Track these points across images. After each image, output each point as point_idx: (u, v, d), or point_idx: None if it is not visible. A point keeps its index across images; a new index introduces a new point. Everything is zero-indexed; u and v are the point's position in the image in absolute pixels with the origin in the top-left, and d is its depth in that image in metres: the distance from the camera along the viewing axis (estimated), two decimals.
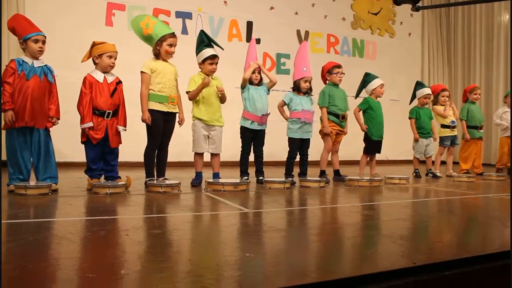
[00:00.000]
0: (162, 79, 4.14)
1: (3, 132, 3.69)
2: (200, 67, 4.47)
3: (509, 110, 6.81)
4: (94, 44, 4.01)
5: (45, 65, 3.82)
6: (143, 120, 4.10)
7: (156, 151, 4.26)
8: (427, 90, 6.23)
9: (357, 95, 5.78)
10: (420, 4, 2.36)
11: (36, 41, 3.72)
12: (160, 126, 4.17)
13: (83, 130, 3.89)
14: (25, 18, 3.83)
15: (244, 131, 4.70)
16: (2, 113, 3.60)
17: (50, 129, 3.87)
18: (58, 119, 3.89)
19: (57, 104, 3.87)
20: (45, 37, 3.79)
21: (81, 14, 6.68)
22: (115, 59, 4.02)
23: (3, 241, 1.96)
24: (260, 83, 4.78)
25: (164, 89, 4.14)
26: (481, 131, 6.58)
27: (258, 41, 6.88)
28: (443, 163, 6.49)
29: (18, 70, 3.65)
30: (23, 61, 3.71)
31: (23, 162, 3.74)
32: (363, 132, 5.55)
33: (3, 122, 3.62)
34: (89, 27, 6.51)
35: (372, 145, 5.54)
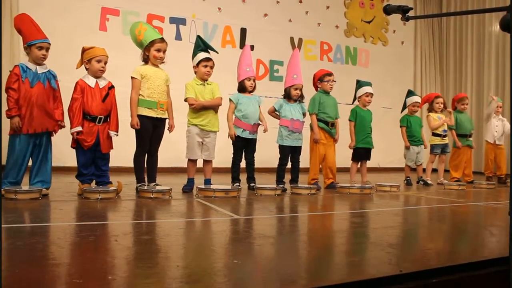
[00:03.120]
0: (152, 85, 4.15)
1: (4, 137, 3.69)
2: (195, 71, 4.50)
3: (497, 114, 6.87)
4: (83, 49, 4.03)
5: (49, 71, 3.84)
6: (131, 126, 4.10)
7: (146, 157, 4.27)
8: (415, 98, 6.29)
9: (352, 102, 5.83)
10: (410, 14, 2.39)
11: (40, 48, 3.73)
12: (149, 131, 4.17)
13: (72, 135, 3.89)
14: (32, 22, 3.80)
15: (235, 138, 4.72)
16: (9, 119, 3.64)
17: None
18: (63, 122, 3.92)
19: (62, 109, 3.91)
20: (49, 44, 3.80)
21: (75, 18, 6.68)
22: (105, 63, 4.02)
23: None
24: (253, 90, 4.79)
25: (153, 94, 4.15)
26: (470, 139, 6.64)
27: (251, 47, 6.93)
28: (434, 170, 6.53)
29: (22, 77, 3.66)
30: (26, 67, 3.71)
31: (21, 166, 3.74)
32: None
33: (8, 128, 3.64)
34: (83, 32, 6.52)
35: (358, 152, 5.57)
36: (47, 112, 3.77)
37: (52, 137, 3.93)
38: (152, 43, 4.17)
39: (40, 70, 3.77)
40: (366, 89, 5.64)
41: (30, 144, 3.76)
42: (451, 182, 5.91)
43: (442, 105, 6.35)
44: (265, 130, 4.77)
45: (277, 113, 4.97)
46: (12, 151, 3.70)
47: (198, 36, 4.65)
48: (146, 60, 4.24)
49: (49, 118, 3.79)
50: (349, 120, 5.59)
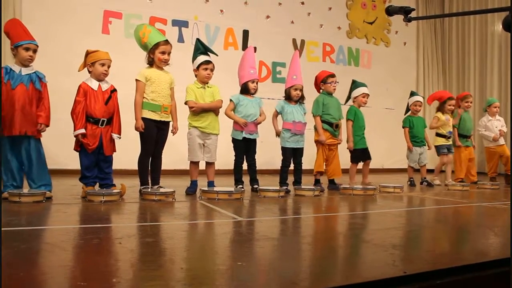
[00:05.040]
0: (156, 88, 4.16)
1: None
2: (195, 74, 4.51)
3: (492, 119, 6.85)
4: (87, 53, 4.03)
5: (34, 72, 3.79)
6: (136, 128, 4.12)
7: (150, 159, 4.27)
8: (417, 98, 6.28)
9: (345, 102, 5.80)
10: (412, 15, 2.39)
11: (27, 49, 3.71)
12: (153, 134, 4.18)
13: (76, 138, 3.89)
14: (20, 24, 3.80)
15: (236, 142, 4.72)
16: None
17: (43, 135, 3.85)
18: (47, 126, 3.84)
19: (47, 111, 3.82)
20: (37, 46, 3.78)
21: (77, 21, 6.70)
22: (109, 67, 4.02)
23: None
24: (255, 93, 4.79)
25: (158, 98, 4.16)
26: (470, 140, 6.60)
27: (254, 49, 6.92)
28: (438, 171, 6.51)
29: (4, 79, 3.63)
30: (10, 69, 3.69)
31: (14, 169, 3.73)
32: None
33: None
34: (86, 35, 6.54)
35: (357, 153, 5.54)
36: (30, 115, 3.71)
37: (41, 139, 3.86)
38: (157, 45, 4.18)
39: (24, 71, 3.72)
40: (362, 89, 5.62)
41: (19, 147, 3.72)
42: (455, 183, 5.89)
43: (453, 107, 6.34)
44: (258, 122, 4.74)
45: (281, 115, 4.96)
46: (3, 156, 3.67)
47: (198, 39, 4.67)
48: (151, 62, 4.25)
49: (30, 121, 3.71)
50: (348, 119, 5.54)
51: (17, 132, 3.67)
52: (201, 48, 4.52)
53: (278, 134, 4.92)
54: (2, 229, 2.49)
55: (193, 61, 4.54)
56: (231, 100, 4.74)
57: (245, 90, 4.76)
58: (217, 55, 4.63)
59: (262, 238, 2.51)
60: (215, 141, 4.48)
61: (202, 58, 4.45)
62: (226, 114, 4.70)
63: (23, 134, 3.70)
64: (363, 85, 5.68)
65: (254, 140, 4.78)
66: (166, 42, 4.24)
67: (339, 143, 5.30)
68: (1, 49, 3.83)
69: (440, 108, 6.38)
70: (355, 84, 5.73)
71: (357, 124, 5.52)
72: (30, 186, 3.81)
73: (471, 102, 6.67)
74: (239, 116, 4.67)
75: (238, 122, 4.64)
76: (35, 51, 3.77)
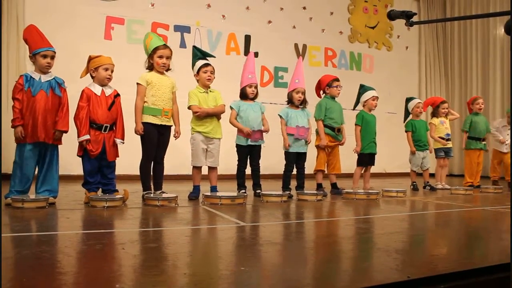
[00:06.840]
0: (157, 92, 4.17)
1: (4, 145, 3.70)
2: (196, 79, 4.53)
3: (506, 125, 6.81)
4: (90, 58, 4.05)
5: (53, 79, 3.82)
6: (135, 132, 4.12)
7: (152, 164, 4.28)
8: (417, 100, 6.32)
9: (354, 107, 5.80)
10: (414, 19, 2.39)
11: (45, 56, 3.74)
12: (154, 138, 4.18)
13: (80, 143, 3.90)
14: (37, 31, 3.82)
15: (240, 147, 4.72)
16: (13, 129, 3.66)
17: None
18: (65, 131, 3.85)
19: (64, 117, 3.83)
20: (54, 52, 3.81)
21: (80, 27, 6.74)
22: (112, 71, 4.04)
23: None
24: (255, 97, 4.80)
25: (158, 102, 4.17)
26: (484, 143, 6.55)
27: (255, 55, 6.96)
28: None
29: (25, 86, 3.67)
30: (30, 76, 3.72)
31: (28, 175, 3.74)
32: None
33: (9, 137, 3.66)
34: (88, 40, 6.57)
35: (365, 157, 5.53)
36: (51, 122, 3.76)
37: (58, 146, 3.92)
38: (155, 50, 4.20)
39: (44, 78, 3.76)
40: (372, 92, 5.62)
41: (36, 153, 3.76)
42: (458, 187, 5.86)
43: (447, 110, 6.36)
44: (266, 131, 4.75)
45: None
46: (19, 160, 3.71)
47: (194, 46, 4.77)
48: (150, 67, 4.27)
49: (51, 128, 3.77)
50: (356, 124, 5.54)
51: (40, 139, 3.71)
52: (198, 54, 4.58)
53: (287, 147, 4.89)
54: (5, 234, 2.49)
55: (192, 68, 4.57)
56: (232, 107, 4.73)
57: (243, 95, 4.77)
58: (214, 57, 4.68)
59: (265, 243, 2.50)
60: (218, 146, 4.49)
61: (201, 62, 4.49)
62: (231, 123, 4.70)
63: (46, 141, 3.75)
64: (372, 88, 5.69)
65: (259, 146, 4.78)
66: (165, 46, 4.26)
67: (341, 144, 5.27)
68: (1, 53, 3.85)
69: (434, 113, 6.40)
70: (363, 88, 5.73)
71: (366, 128, 5.51)
72: (36, 190, 3.82)
73: (482, 104, 6.62)
74: (240, 121, 4.67)
75: (243, 130, 4.61)
76: (52, 57, 3.80)
